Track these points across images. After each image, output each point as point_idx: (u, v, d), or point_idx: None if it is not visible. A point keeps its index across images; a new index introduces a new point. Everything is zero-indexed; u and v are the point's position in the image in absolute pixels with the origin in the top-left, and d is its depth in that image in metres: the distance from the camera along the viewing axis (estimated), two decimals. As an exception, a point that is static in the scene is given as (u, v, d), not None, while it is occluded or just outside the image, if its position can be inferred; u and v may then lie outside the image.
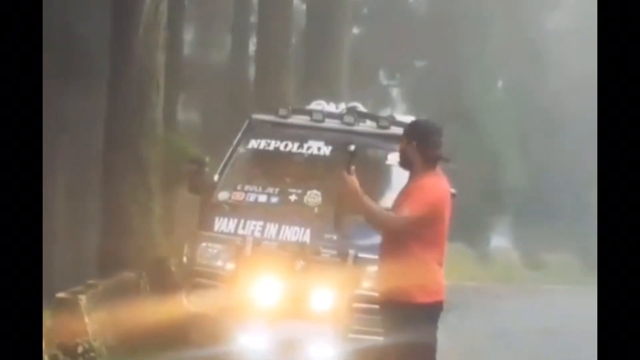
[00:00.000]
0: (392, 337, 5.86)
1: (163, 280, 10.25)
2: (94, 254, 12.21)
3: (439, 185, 5.99)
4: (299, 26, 24.19)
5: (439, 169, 6.05)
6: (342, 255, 8.22)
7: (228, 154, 9.24)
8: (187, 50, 24.90)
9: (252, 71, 26.92)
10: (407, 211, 5.89)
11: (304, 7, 24.86)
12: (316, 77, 21.58)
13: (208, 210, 8.76)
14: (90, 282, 9.21)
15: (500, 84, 32.18)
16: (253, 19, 27.20)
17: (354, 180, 5.94)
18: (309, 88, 21.52)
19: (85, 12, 16.65)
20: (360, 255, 8.10)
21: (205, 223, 8.67)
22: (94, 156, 14.52)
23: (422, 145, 5.93)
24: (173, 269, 10.60)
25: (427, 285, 5.86)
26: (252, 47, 27.45)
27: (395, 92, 33.38)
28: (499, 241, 32.56)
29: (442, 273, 5.99)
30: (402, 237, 5.93)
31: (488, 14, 29.66)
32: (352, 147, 6.28)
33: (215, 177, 9.00)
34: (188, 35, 26.23)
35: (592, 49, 30.57)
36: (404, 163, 6.16)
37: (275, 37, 20.03)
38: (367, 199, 5.94)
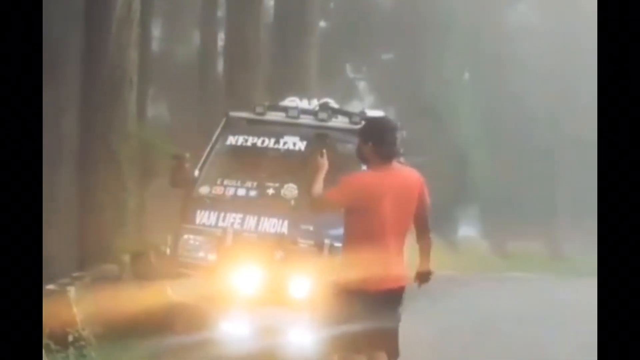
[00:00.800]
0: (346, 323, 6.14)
1: (143, 272, 10.54)
2: (64, 247, 12.41)
3: (373, 177, 6.25)
4: (267, 20, 24.29)
5: (396, 163, 6.32)
6: (319, 245, 8.58)
7: (207, 150, 9.60)
8: (155, 44, 25.00)
9: (220, 65, 27.04)
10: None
11: (272, 1, 25.02)
12: (285, 71, 21.67)
13: (190, 204, 9.11)
14: (75, 274, 9.54)
15: (466, 76, 32.47)
16: (221, 13, 27.32)
17: (323, 161, 6.49)
18: (278, 82, 21.68)
19: (57, 9, 16.80)
20: (336, 244, 8.44)
21: (187, 216, 9.00)
22: (67, 151, 14.75)
23: (377, 145, 6.20)
24: (152, 260, 10.88)
25: (371, 275, 6.08)
26: (220, 42, 27.58)
27: (362, 85, 33.69)
28: (467, 231, 32.93)
29: (388, 263, 6.14)
30: (345, 229, 6.33)
31: (454, 7, 29.93)
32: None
33: (196, 172, 9.36)
34: (156, 30, 26.30)
35: (555, 42, 31.03)
36: (361, 160, 6.53)
37: (243, 31, 20.08)
38: (318, 179, 6.44)
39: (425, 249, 6.57)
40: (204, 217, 8.93)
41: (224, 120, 9.84)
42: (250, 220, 8.84)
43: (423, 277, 6.56)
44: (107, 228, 12.32)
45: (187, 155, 9.31)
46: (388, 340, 6.27)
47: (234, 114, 9.93)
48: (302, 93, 17.61)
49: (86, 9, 13.04)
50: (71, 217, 12.98)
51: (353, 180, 6.29)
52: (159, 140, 17.30)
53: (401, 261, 6.27)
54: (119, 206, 12.59)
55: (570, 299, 18.94)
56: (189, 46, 31.21)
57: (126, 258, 10.98)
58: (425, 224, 6.50)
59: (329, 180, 8.46)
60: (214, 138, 9.70)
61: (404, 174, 6.28)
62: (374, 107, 28.50)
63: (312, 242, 8.64)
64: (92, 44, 12.92)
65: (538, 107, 32.49)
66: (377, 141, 6.19)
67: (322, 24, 27.60)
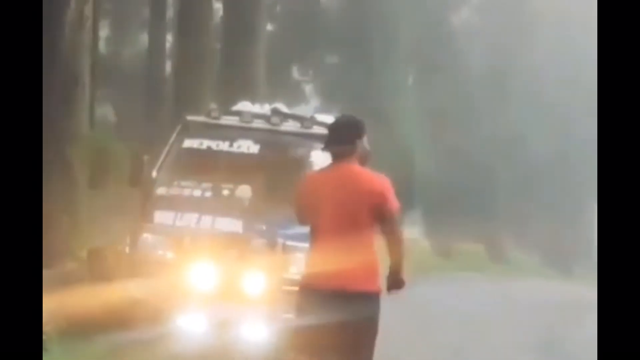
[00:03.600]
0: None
1: (100, 270, 10.79)
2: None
3: (316, 175, 6.42)
4: (215, 23, 24.43)
5: (353, 164, 6.12)
6: (272, 244, 8.98)
7: (164, 153, 9.94)
8: (101, 46, 25.06)
9: (168, 67, 27.19)
10: None
11: (219, 4, 25.21)
12: (233, 73, 21.76)
13: (148, 204, 9.46)
14: (38, 272, 9.83)
15: (410, 80, 32.86)
16: (169, 15, 27.45)
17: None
18: (225, 84, 21.84)
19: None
20: (288, 243, 8.88)
21: (146, 216, 9.34)
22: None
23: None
24: (109, 259, 11.13)
25: (314, 272, 6.05)
26: (168, 44, 27.72)
27: (308, 87, 34.01)
28: (411, 232, 33.29)
29: (330, 262, 5.93)
30: None
31: (398, 12, 30.28)
32: None
33: (154, 174, 9.72)
34: (103, 32, 26.37)
35: (496, 44, 31.64)
36: None
37: (191, 34, 20.21)
38: None
39: (390, 250, 6.21)
40: (162, 217, 9.26)
41: (180, 124, 10.20)
42: (206, 220, 9.17)
43: (388, 282, 6.27)
44: (57, 230, 12.54)
45: (146, 157, 9.63)
46: (344, 345, 5.92)
47: (191, 118, 10.27)
48: (249, 95, 17.90)
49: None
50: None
51: (300, 184, 6.33)
52: (110, 143, 17.50)
53: (356, 262, 5.94)
54: (71, 208, 12.81)
55: (509, 298, 19.40)
56: (137, 48, 31.29)
57: (83, 257, 11.20)
58: (385, 228, 6.15)
59: (282, 182, 8.94)
60: (170, 141, 10.05)
61: (353, 173, 6.09)
62: (319, 109, 28.86)
63: (265, 241, 9.03)
64: (45, 48, 13.11)
65: (480, 111, 32.99)
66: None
67: (268, 27, 27.82)
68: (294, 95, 31.79)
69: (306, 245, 6.25)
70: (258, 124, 10.09)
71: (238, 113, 10.27)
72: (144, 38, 29.11)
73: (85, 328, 8.91)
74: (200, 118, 10.28)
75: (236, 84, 20.83)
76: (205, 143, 9.88)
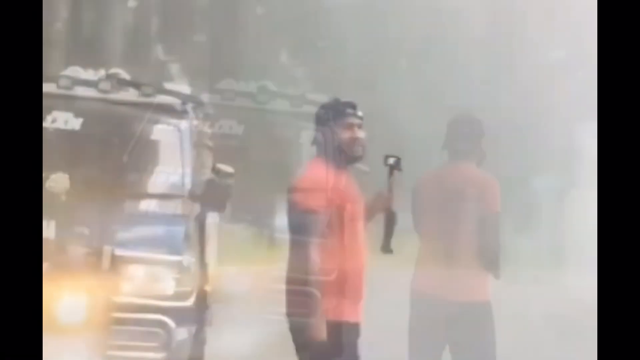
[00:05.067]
0: None
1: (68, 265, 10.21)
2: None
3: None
4: (202, 4, 23.96)
5: (459, 162, 6.72)
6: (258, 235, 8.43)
7: (137, 135, 8.99)
8: (84, 28, 24.72)
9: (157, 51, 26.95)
10: None
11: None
12: (221, 56, 21.83)
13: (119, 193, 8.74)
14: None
15: (403, 63, 32.75)
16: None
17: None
18: (213, 67, 21.70)
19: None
20: (277, 235, 8.31)
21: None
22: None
23: None
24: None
25: None
26: (154, 26, 27.47)
27: (299, 71, 33.83)
28: (402, 224, 33.11)
29: None
30: None
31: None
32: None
33: (125, 158, 8.78)
34: (86, 14, 26.04)
35: (489, 27, 30.87)
36: None
37: (177, 17, 20.21)
38: None
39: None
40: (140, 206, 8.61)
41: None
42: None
43: None
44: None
45: (116, 139, 8.84)
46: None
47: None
48: (237, 77, 17.80)
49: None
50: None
51: None
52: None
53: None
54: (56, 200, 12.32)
55: (510, 290, 19.15)
56: (121, 31, 31.02)
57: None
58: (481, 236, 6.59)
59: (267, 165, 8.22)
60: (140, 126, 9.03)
61: (447, 171, 6.66)
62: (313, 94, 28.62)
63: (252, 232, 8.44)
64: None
65: (480, 96, 32.87)
66: None
67: (258, 10, 27.66)
68: (284, 78, 31.62)
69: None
70: (242, 102, 9.37)
71: (220, 91, 9.58)
72: (128, 21, 28.95)
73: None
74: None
75: (222, 68, 20.85)
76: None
